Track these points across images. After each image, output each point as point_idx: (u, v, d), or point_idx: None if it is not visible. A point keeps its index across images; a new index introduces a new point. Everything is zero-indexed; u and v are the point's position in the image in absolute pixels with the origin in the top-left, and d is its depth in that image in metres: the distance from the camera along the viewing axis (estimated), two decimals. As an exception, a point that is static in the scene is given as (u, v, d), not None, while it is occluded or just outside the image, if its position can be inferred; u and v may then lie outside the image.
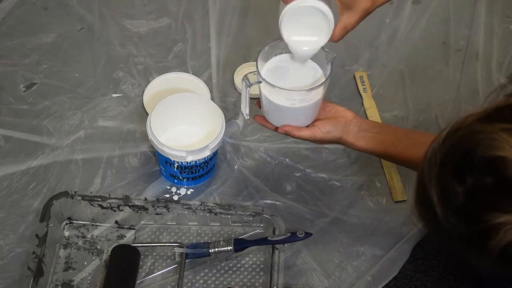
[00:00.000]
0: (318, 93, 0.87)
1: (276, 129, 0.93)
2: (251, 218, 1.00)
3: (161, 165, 1.05)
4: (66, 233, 1.00)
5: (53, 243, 0.97)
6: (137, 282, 0.95)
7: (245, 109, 0.91)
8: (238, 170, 1.09)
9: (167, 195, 1.06)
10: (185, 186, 1.07)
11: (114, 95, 1.18)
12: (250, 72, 0.88)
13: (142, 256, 0.98)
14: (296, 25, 0.84)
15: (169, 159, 0.98)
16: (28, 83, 1.18)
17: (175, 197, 1.05)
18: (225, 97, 1.17)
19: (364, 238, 1.03)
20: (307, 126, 0.92)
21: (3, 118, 1.13)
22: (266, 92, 0.87)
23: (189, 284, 0.96)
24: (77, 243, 0.99)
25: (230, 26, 1.29)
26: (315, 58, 0.89)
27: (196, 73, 1.21)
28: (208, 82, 1.19)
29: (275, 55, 0.90)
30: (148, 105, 1.15)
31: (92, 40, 1.26)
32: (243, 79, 0.87)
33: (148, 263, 0.98)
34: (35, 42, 1.24)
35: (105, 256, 0.98)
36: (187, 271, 0.97)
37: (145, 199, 1.00)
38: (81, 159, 1.09)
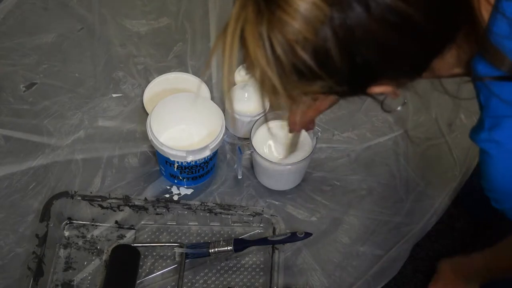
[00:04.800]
0: (302, 162, 0.99)
1: None
2: (251, 218, 1.00)
3: (161, 165, 1.05)
4: (66, 233, 1.00)
5: (53, 243, 0.97)
6: (137, 282, 0.95)
7: (239, 171, 1.06)
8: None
9: (167, 195, 1.06)
10: (185, 186, 1.07)
11: (114, 95, 1.18)
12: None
13: (142, 256, 0.98)
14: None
15: (169, 159, 0.98)
16: (28, 83, 1.18)
17: (175, 197, 1.05)
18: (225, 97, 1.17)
19: (364, 238, 1.03)
20: None
21: (3, 118, 1.13)
22: (257, 157, 0.99)
23: (189, 284, 0.96)
24: (77, 243, 0.99)
25: (230, 26, 1.29)
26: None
27: (196, 73, 1.21)
28: (208, 82, 1.19)
29: (269, 119, 1.04)
30: (148, 105, 1.15)
31: (92, 40, 1.26)
32: (237, 148, 1.03)
33: (148, 263, 0.98)
34: (35, 42, 1.24)
35: (105, 256, 0.98)
36: (187, 271, 0.97)
37: (145, 199, 1.00)
38: (81, 159, 1.09)
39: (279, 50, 0.55)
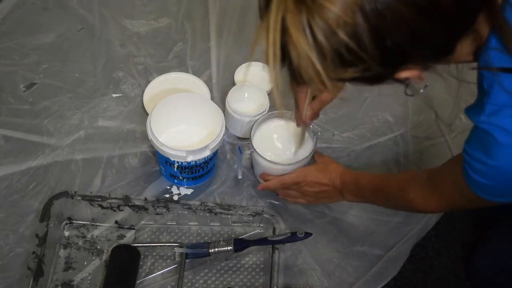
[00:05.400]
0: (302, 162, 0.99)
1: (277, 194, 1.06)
2: (251, 218, 1.00)
3: (161, 165, 1.05)
4: (66, 233, 1.00)
5: (53, 243, 0.97)
6: (137, 282, 0.95)
7: (239, 172, 1.06)
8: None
9: (167, 195, 1.06)
10: (185, 186, 1.07)
11: (114, 95, 1.18)
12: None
13: (142, 256, 0.98)
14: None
15: (169, 159, 0.98)
16: (28, 83, 1.18)
17: (175, 197, 1.05)
18: (225, 97, 1.17)
19: (364, 238, 1.03)
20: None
21: (3, 118, 1.13)
22: (257, 157, 0.99)
23: (189, 284, 0.96)
24: (77, 243, 0.99)
25: (230, 26, 1.29)
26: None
27: (196, 73, 1.21)
28: (208, 82, 1.19)
29: (269, 119, 1.04)
30: (148, 105, 1.15)
31: (92, 40, 1.26)
32: (237, 148, 1.03)
33: (148, 263, 0.98)
34: (35, 42, 1.24)
35: (105, 256, 0.98)
36: (187, 271, 0.97)
37: (145, 199, 1.00)
38: (81, 159, 1.09)
39: (320, 36, 0.58)
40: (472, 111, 0.70)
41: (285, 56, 0.61)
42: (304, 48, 0.59)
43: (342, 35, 0.57)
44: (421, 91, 0.73)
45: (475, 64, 0.69)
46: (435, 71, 0.66)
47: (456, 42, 0.63)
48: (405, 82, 0.65)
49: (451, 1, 0.58)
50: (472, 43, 0.66)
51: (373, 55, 0.59)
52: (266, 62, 0.62)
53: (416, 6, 0.56)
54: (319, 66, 0.60)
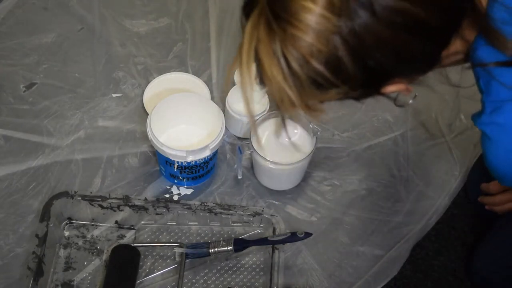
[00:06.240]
0: (302, 161, 0.99)
1: None
2: (251, 218, 1.00)
3: (161, 165, 1.05)
4: (66, 233, 1.00)
5: (53, 243, 0.97)
6: (137, 282, 0.95)
7: (239, 172, 1.06)
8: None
9: (167, 195, 1.06)
10: (185, 186, 1.07)
11: (114, 95, 1.18)
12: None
13: (142, 256, 0.98)
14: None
15: (169, 159, 0.98)
16: (28, 83, 1.18)
17: (175, 197, 1.05)
18: (225, 97, 1.17)
19: (364, 238, 1.03)
20: None
21: (3, 118, 1.13)
22: (257, 157, 0.99)
23: (189, 284, 0.96)
24: (77, 243, 0.99)
25: (230, 26, 1.29)
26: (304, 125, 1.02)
27: (196, 73, 1.21)
28: (208, 82, 1.19)
29: (269, 119, 1.03)
30: (148, 105, 1.15)
31: (92, 40, 1.26)
32: (237, 148, 1.02)
33: (148, 263, 0.98)
34: (35, 42, 1.24)
35: (105, 256, 0.98)
36: (187, 271, 0.97)
37: (145, 199, 1.00)
38: (81, 159, 1.09)
39: (294, 65, 0.56)
40: (475, 115, 0.69)
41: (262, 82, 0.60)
42: (278, 78, 0.58)
43: (315, 63, 0.56)
44: (410, 101, 0.73)
45: (468, 65, 0.68)
46: (424, 83, 0.64)
47: (441, 51, 0.62)
48: (392, 94, 0.65)
49: (429, 14, 0.56)
50: (461, 45, 0.65)
51: (355, 76, 0.57)
52: (242, 91, 0.61)
53: (394, 23, 0.55)
54: (294, 95, 0.58)
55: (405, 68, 0.60)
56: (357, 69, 0.57)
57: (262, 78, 0.60)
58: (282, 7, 0.55)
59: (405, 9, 0.54)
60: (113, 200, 0.99)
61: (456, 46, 0.64)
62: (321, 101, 0.62)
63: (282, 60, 0.57)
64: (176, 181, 1.06)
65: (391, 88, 0.62)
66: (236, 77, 1.18)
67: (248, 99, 0.63)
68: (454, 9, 0.59)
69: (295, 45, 0.56)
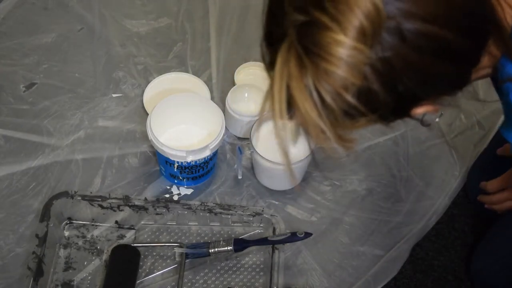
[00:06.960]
0: (302, 161, 0.99)
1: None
2: (251, 218, 1.00)
3: (161, 165, 1.05)
4: (66, 233, 1.00)
5: (53, 243, 0.97)
6: (137, 282, 0.95)
7: (239, 172, 1.05)
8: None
9: (167, 195, 1.06)
10: (185, 186, 1.07)
11: (114, 95, 1.18)
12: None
13: (142, 256, 0.98)
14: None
15: (169, 159, 0.98)
16: (28, 83, 1.18)
17: (175, 197, 1.05)
18: (225, 97, 1.17)
19: (364, 238, 1.03)
20: None
21: (3, 118, 1.13)
22: (257, 157, 0.99)
23: (189, 284, 0.96)
24: (77, 243, 0.99)
25: (230, 26, 1.29)
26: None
27: (196, 73, 1.21)
28: (208, 82, 1.19)
29: (269, 119, 1.02)
30: (148, 105, 1.15)
31: (92, 40, 1.26)
32: (237, 148, 1.03)
33: (148, 263, 0.98)
34: (35, 42, 1.24)
35: (105, 256, 0.98)
36: (187, 271, 0.97)
37: (145, 199, 1.00)
38: (81, 159, 1.09)
39: (328, 99, 0.56)
40: (506, 129, 0.69)
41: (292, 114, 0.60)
42: (312, 114, 0.57)
43: (348, 96, 0.55)
44: (437, 120, 0.73)
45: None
46: (454, 103, 0.65)
47: (471, 72, 0.62)
48: (419, 117, 0.65)
49: (457, 36, 0.56)
50: (488, 60, 0.65)
51: (386, 103, 0.57)
52: (274, 119, 0.60)
53: (423, 48, 0.55)
54: (328, 129, 0.58)
55: (435, 90, 0.60)
56: (388, 96, 0.57)
57: (294, 115, 0.59)
58: (313, 41, 0.54)
59: (434, 33, 0.54)
60: (113, 200, 0.99)
61: (484, 61, 0.64)
62: (352, 130, 0.62)
63: (315, 95, 0.56)
64: (176, 181, 1.06)
65: (420, 110, 0.62)
66: (236, 77, 1.18)
67: (282, 136, 0.61)
68: (481, 30, 0.59)
69: (328, 80, 0.55)
